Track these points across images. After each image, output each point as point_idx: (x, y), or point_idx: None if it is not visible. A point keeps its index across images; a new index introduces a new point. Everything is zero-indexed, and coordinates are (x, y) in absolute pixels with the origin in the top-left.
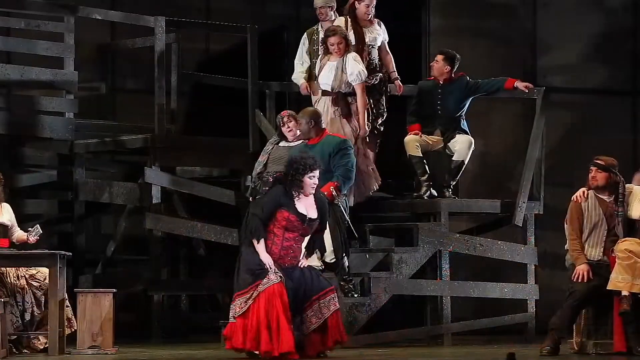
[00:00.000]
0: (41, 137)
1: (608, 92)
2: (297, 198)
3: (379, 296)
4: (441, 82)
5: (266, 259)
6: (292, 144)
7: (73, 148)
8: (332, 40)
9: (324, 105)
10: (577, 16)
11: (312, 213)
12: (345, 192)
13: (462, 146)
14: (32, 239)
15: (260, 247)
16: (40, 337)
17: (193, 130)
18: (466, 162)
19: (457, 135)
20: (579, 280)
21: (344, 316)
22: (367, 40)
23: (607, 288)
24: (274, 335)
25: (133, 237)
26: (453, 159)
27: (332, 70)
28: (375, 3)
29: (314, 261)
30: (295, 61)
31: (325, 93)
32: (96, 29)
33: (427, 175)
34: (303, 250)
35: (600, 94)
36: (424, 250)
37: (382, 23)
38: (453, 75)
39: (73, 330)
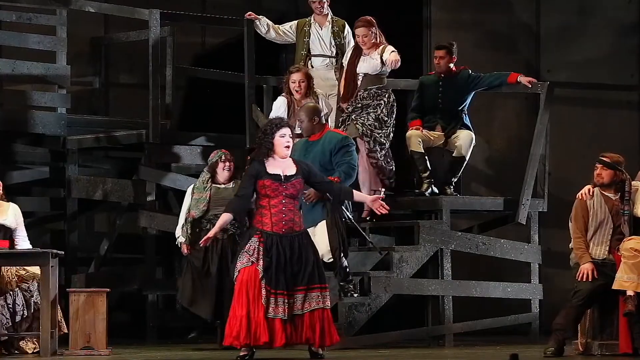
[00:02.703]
0: (33, 133)
1: (613, 86)
2: (267, 162)
3: (379, 296)
4: (442, 76)
5: (210, 232)
6: (229, 186)
7: (65, 144)
8: (295, 77)
9: None
10: (580, 9)
11: (289, 171)
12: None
13: (462, 142)
14: None
15: (221, 218)
16: (29, 342)
17: (188, 125)
18: (467, 158)
19: (457, 131)
20: (584, 280)
21: (343, 316)
22: (358, 69)
23: (613, 287)
24: (252, 327)
25: (127, 235)
26: (454, 155)
27: None
28: (372, 31)
29: (324, 256)
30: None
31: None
32: (89, 22)
33: (428, 172)
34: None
35: (606, 89)
36: (425, 249)
37: (388, 47)
38: (454, 68)
39: (62, 333)
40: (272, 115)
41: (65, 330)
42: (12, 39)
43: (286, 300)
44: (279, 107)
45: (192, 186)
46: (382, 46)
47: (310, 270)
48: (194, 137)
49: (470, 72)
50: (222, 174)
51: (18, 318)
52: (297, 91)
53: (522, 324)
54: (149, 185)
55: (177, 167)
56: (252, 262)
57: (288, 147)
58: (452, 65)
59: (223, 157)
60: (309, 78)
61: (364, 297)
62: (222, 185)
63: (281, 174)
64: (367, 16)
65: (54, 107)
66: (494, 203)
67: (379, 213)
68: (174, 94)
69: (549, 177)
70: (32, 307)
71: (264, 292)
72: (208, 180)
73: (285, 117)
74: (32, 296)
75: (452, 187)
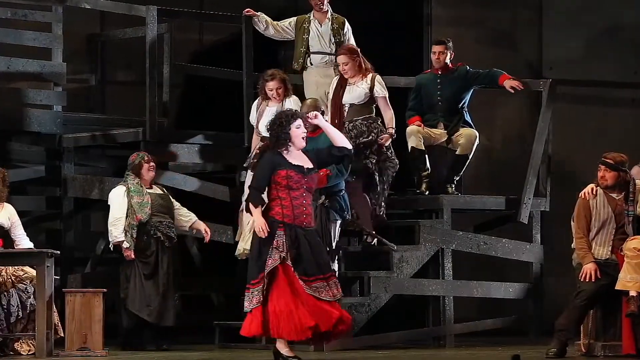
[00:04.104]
0: (28, 131)
1: (617, 84)
2: (287, 154)
3: (379, 296)
4: (440, 73)
5: (260, 222)
6: (158, 191)
7: (61, 142)
8: (271, 85)
9: None
10: (583, 6)
11: (308, 164)
12: (342, 187)
13: (466, 140)
14: None
15: (256, 211)
16: (24, 344)
17: (186, 123)
18: (470, 157)
19: (460, 129)
20: (587, 280)
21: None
22: (344, 100)
23: (616, 288)
24: (291, 321)
25: None
26: (457, 153)
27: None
28: (354, 59)
29: None
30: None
31: (264, 139)
32: (85, 19)
33: (427, 172)
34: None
35: (609, 86)
36: (426, 249)
37: (378, 78)
38: (451, 64)
39: (59, 336)
40: (251, 116)
41: (62, 334)
42: (7, 36)
43: (325, 284)
44: (253, 109)
45: (120, 190)
46: (370, 75)
47: (325, 261)
48: (191, 135)
49: (468, 68)
50: (148, 174)
51: (13, 319)
52: (275, 97)
53: (524, 325)
54: None
55: (174, 166)
56: (283, 257)
57: (304, 137)
58: (449, 61)
59: (146, 158)
60: (284, 82)
61: (364, 297)
62: (158, 191)
63: (303, 166)
64: (351, 44)
65: (49, 105)
66: (496, 202)
67: None
68: (171, 92)
69: (551, 175)
70: (28, 308)
71: (302, 283)
72: (140, 183)
73: (255, 118)
74: (29, 297)
75: (453, 185)
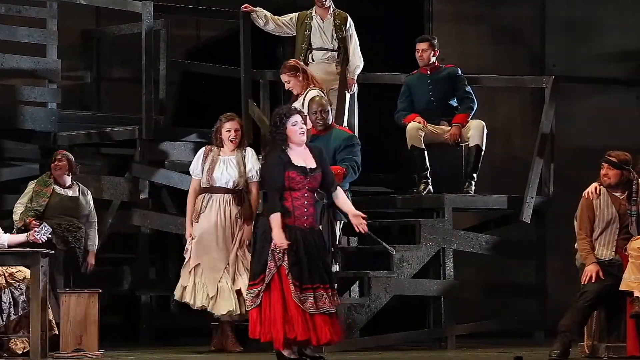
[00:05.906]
0: (22, 129)
1: (621, 81)
2: (291, 153)
3: (379, 297)
4: (429, 72)
5: (278, 237)
6: (69, 194)
7: (56, 140)
8: (229, 125)
9: (218, 204)
10: (587, 1)
11: (311, 163)
12: (348, 187)
13: (475, 131)
14: (43, 238)
15: (274, 222)
16: (18, 342)
17: (183, 121)
18: (483, 148)
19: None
20: (589, 282)
21: (342, 318)
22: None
23: (620, 289)
24: (289, 324)
25: (120, 234)
26: (469, 145)
27: (231, 164)
28: (295, 75)
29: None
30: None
31: (220, 190)
32: (80, 15)
33: (426, 171)
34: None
35: (613, 84)
36: (427, 248)
37: (310, 94)
38: (437, 62)
39: (53, 333)
40: (193, 166)
41: (56, 331)
42: (0, 32)
43: (313, 295)
44: (197, 157)
45: (33, 183)
46: (306, 90)
47: (327, 269)
48: (188, 133)
49: (459, 72)
50: (55, 173)
51: (4, 317)
52: (231, 140)
53: (526, 326)
54: (142, 183)
55: (171, 164)
56: (280, 259)
57: (302, 133)
58: (434, 59)
59: (53, 159)
60: (242, 127)
61: (364, 297)
62: (63, 191)
63: (306, 166)
64: (292, 60)
65: (44, 102)
66: (498, 201)
67: (356, 230)
68: (167, 89)
69: (554, 174)
70: (20, 307)
71: (292, 287)
72: (50, 175)
73: (200, 166)
74: (22, 295)
75: (473, 182)
